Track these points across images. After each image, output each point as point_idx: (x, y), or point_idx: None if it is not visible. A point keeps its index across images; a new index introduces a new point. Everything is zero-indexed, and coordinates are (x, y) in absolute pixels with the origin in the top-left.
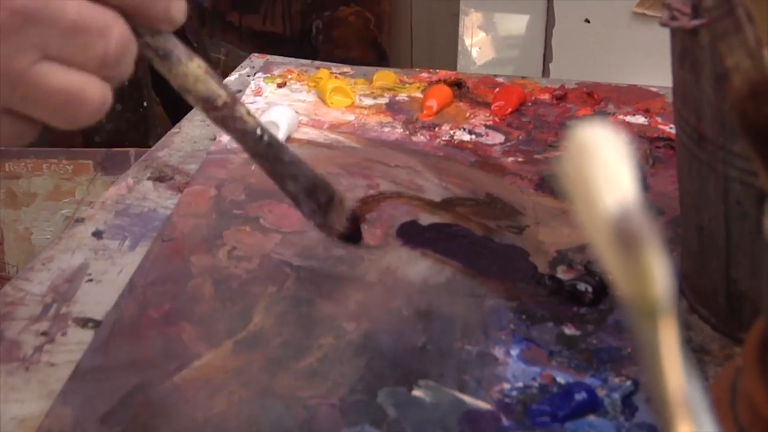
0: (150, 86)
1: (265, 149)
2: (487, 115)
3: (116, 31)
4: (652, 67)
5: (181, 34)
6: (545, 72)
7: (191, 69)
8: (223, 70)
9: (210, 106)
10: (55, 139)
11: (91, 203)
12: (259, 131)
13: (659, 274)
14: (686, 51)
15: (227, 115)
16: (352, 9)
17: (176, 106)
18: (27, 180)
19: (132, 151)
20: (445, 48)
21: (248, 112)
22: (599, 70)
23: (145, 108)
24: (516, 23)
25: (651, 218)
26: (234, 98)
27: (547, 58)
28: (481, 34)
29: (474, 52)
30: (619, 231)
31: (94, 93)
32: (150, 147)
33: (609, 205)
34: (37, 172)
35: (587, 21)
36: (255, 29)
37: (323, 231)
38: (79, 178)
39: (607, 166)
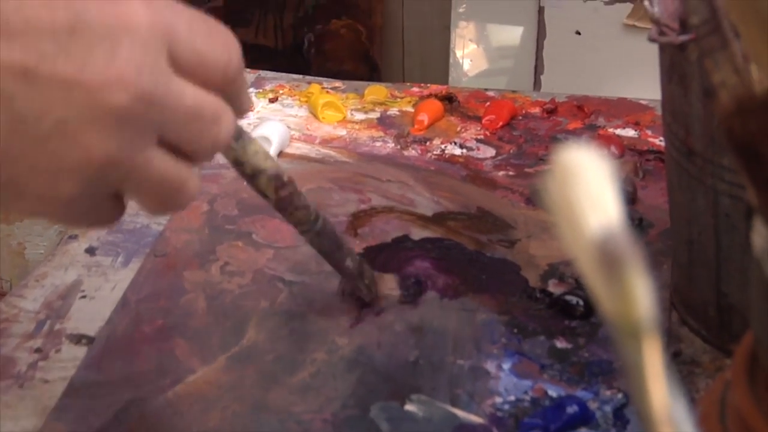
0: None
1: (322, 226)
2: (478, 129)
3: (227, 118)
4: (643, 78)
5: None
6: (536, 84)
7: (259, 146)
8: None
9: (280, 183)
10: None
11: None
12: (314, 207)
13: (642, 294)
14: (675, 66)
15: (293, 191)
16: (344, 22)
17: None
18: None
19: None
20: (436, 60)
21: None
22: (590, 82)
23: None
24: (507, 35)
25: (634, 240)
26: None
27: (538, 69)
28: (473, 47)
29: (465, 64)
30: (603, 252)
31: (194, 184)
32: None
33: (593, 227)
34: None
35: (578, 33)
36: (247, 42)
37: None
38: None
39: (591, 188)
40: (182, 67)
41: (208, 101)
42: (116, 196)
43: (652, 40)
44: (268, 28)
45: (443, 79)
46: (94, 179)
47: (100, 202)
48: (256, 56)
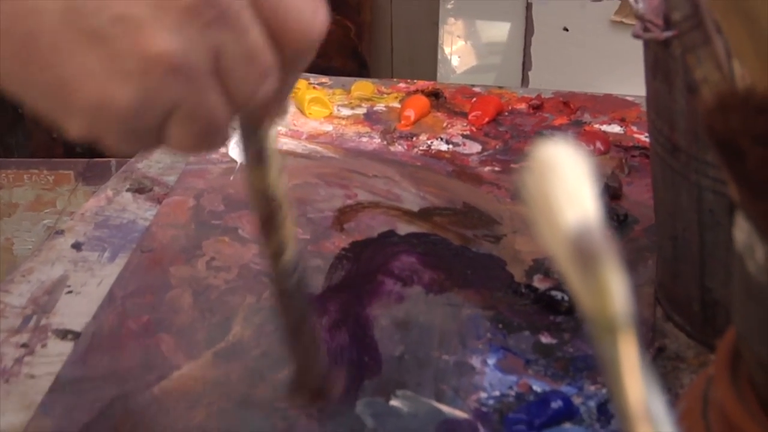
0: None
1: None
2: (465, 124)
3: (272, 81)
4: (631, 74)
5: None
6: (524, 80)
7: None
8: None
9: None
10: (36, 149)
11: (72, 214)
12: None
13: (618, 290)
14: (659, 62)
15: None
16: (333, 18)
17: None
18: (8, 191)
19: (113, 161)
20: (425, 57)
21: None
22: (578, 78)
23: None
24: (495, 32)
25: (610, 235)
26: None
27: (526, 66)
28: (461, 43)
29: (454, 61)
30: (578, 247)
31: (230, 129)
32: (131, 158)
33: (569, 221)
34: (18, 183)
35: (566, 29)
36: None
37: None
38: (60, 189)
39: (568, 183)
40: (261, 4)
41: (267, 53)
42: (162, 125)
43: (636, 36)
44: None
45: (432, 75)
46: (154, 88)
47: (150, 124)
48: None
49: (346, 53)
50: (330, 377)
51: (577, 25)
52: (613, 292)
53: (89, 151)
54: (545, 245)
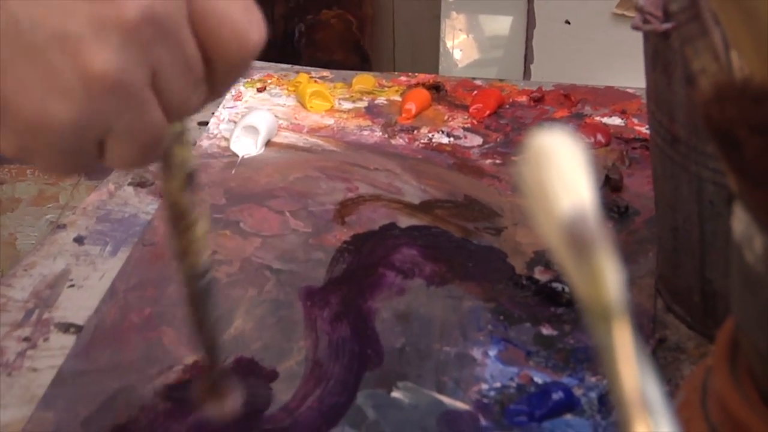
0: None
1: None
2: (466, 117)
3: (203, 90)
4: (633, 67)
5: None
6: (526, 73)
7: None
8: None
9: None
10: None
11: (74, 209)
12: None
13: (612, 277)
14: (658, 54)
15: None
16: (335, 12)
17: None
18: (11, 185)
19: None
20: (427, 50)
21: None
22: (580, 71)
23: None
24: (497, 25)
25: (605, 223)
26: None
27: (528, 59)
28: (463, 36)
29: (456, 54)
30: (573, 234)
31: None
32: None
33: (564, 209)
34: (21, 178)
35: (567, 22)
36: None
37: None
38: (62, 183)
39: (564, 171)
40: (197, 17)
41: (200, 65)
42: (100, 143)
43: (635, 28)
44: None
45: (434, 69)
46: (93, 106)
47: (88, 143)
48: None
49: (347, 47)
50: (227, 385)
51: (579, 18)
52: (608, 279)
53: None
54: (541, 233)
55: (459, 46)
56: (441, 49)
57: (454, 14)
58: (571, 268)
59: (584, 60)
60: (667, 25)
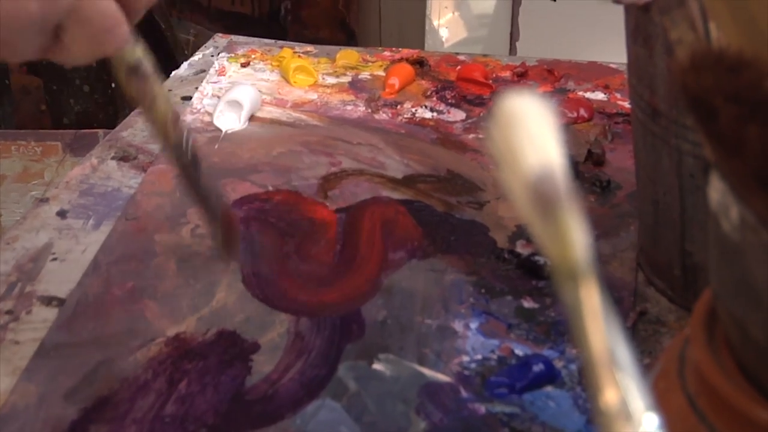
0: None
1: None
2: (450, 92)
3: None
4: (618, 44)
5: (149, 15)
6: (512, 51)
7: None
8: (192, 51)
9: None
10: (23, 121)
11: (57, 183)
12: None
13: (578, 236)
14: (639, 27)
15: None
16: None
17: None
18: None
19: (101, 132)
20: (413, 28)
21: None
22: (565, 48)
23: (113, 89)
24: (484, 3)
25: (571, 182)
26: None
27: (513, 36)
28: (449, 15)
29: (442, 32)
30: (539, 194)
31: (126, 30)
32: (113, 128)
33: (530, 168)
34: (6, 154)
35: (553, 0)
36: (224, 10)
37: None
38: (48, 160)
39: (531, 132)
40: None
41: None
42: (56, 30)
43: (616, 1)
44: None
45: (419, 47)
46: None
47: (47, 30)
48: (233, 23)
49: (334, 24)
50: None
51: None
52: (574, 238)
53: (77, 122)
54: (509, 193)
55: (445, 24)
56: (427, 27)
57: None
58: (539, 228)
59: (570, 37)
60: None
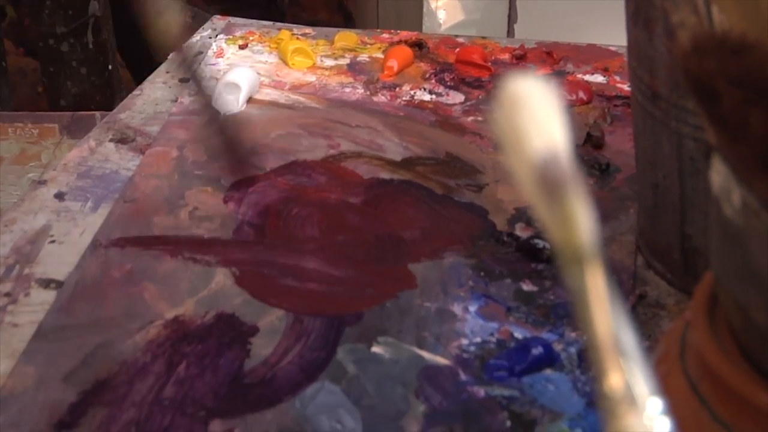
0: (115, 49)
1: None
2: (448, 74)
3: None
4: (618, 26)
5: None
6: (510, 33)
7: None
8: (189, 33)
9: None
10: (20, 102)
11: (55, 166)
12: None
13: (584, 220)
14: (639, 9)
15: None
16: None
17: (141, 69)
18: None
19: (98, 114)
20: (411, 10)
21: None
22: (563, 31)
23: (110, 71)
24: None
25: (576, 166)
26: None
27: (511, 18)
28: None
29: (440, 15)
30: (544, 178)
31: None
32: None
33: (535, 151)
34: (3, 137)
35: None
36: None
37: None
38: (45, 142)
39: (535, 115)
40: None
41: None
42: None
43: None
44: None
45: (417, 29)
46: None
47: None
48: (231, 6)
49: (332, 7)
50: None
51: None
52: (580, 222)
53: (74, 104)
54: (515, 177)
55: (443, 6)
56: (425, 9)
57: None
58: (543, 212)
59: (568, 18)
60: None
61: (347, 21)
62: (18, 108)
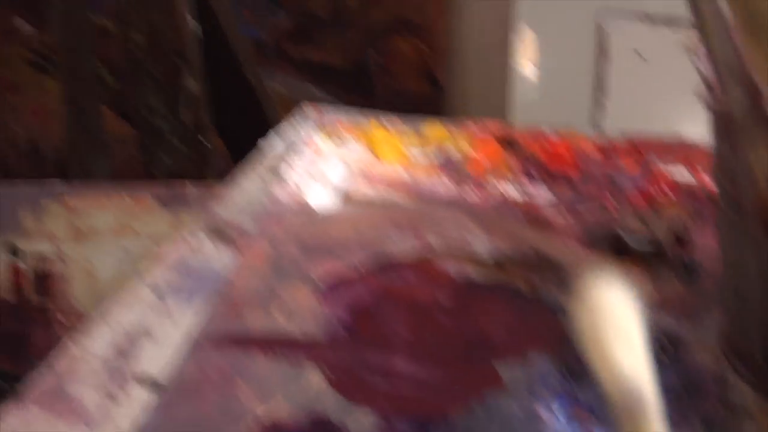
0: (211, 126)
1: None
2: (536, 170)
3: None
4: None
5: (238, 69)
6: (598, 108)
7: None
8: (283, 104)
9: None
10: (116, 172)
11: (152, 258)
12: None
13: None
14: (722, 128)
15: None
16: (407, 40)
17: (235, 136)
18: (87, 214)
19: (191, 185)
20: (497, 80)
21: None
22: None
23: (204, 146)
24: (568, 57)
25: (659, 387)
26: None
27: (599, 96)
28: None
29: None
30: (626, 397)
31: None
32: (208, 181)
33: (619, 365)
34: (99, 207)
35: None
36: (312, 60)
37: None
38: (138, 212)
39: (618, 327)
40: None
41: None
42: None
43: (704, 104)
44: (333, 47)
45: (503, 100)
46: None
47: None
48: (321, 74)
49: (420, 75)
50: None
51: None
52: None
53: (168, 175)
54: (596, 379)
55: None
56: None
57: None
58: (621, 423)
59: (660, 98)
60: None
61: (434, 87)
62: (116, 172)
